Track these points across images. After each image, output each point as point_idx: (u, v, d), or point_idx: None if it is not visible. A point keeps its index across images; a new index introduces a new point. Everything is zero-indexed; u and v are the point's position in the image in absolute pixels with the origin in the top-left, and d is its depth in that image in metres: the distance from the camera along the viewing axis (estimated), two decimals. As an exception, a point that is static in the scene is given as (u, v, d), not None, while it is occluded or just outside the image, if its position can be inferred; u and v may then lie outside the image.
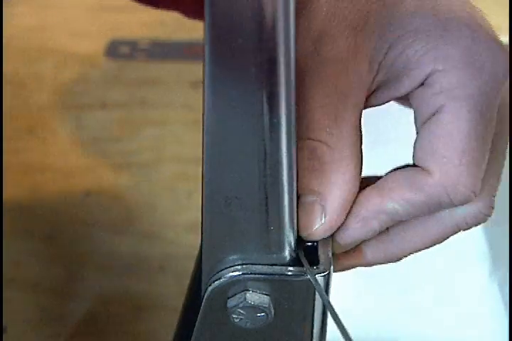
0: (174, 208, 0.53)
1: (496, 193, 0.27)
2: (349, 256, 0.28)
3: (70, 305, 0.47)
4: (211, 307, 0.26)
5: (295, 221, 0.24)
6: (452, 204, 0.25)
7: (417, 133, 0.26)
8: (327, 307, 0.24)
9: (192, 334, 0.27)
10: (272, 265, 0.25)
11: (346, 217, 0.26)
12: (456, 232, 0.28)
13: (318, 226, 0.25)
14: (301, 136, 0.24)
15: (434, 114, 0.25)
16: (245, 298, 0.25)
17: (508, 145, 0.27)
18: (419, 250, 0.28)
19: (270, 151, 0.22)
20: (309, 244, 0.26)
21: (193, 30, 0.70)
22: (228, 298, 0.25)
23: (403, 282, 0.47)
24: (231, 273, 0.25)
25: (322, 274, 0.25)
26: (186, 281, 0.29)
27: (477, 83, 0.24)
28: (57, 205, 0.53)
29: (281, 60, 0.20)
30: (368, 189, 0.26)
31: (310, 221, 0.25)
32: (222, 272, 0.25)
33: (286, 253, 0.25)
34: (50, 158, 0.57)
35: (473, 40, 0.25)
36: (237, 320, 0.25)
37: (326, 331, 0.28)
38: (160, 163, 0.57)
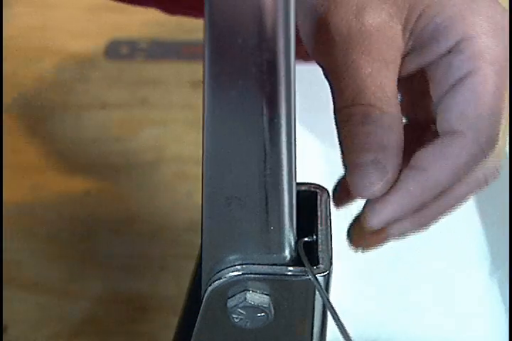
0: (174, 208, 0.53)
1: (504, 152, 0.29)
2: (377, 233, 0.29)
3: (70, 305, 0.47)
4: (211, 307, 0.26)
5: (295, 221, 0.24)
6: (484, 160, 0.27)
7: (439, 101, 0.27)
8: (327, 307, 0.24)
9: (192, 334, 0.27)
10: (271, 265, 0.25)
11: (391, 193, 0.27)
12: (475, 193, 0.30)
13: (381, 184, 0.26)
14: (350, 103, 0.26)
15: (461, 79, 0.27)
16: (245, 298, 0.25)
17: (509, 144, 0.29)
18: (444, 216, 0.31)
19: (270, 151, 0.22)
20: (308, 239, 0.26)
21: (192, 30, 0.70)
22: (228, 298, 0.25)
23: (403, 282, 0.47)
24: (231, 273, 0.25)
25: (322, 274, 0.25)
26: (186, 281, 0.29)
27: (501, 48, 0.27)
28: (57, 205, 0.53)
29: (281, 59, 0.20)
30: (408, 166, 0.27)
31: (372, 180, 0.26)
32: (222, 272, 0.25)
33: (286, 253, 0.25)
34: (50, 158, 0.57)
35: (495, 9, 0.27)
36: (237, 320, 0.25)
37: (326, 331, 0.28)
38: (160, 163, 0.57)
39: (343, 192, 0.32)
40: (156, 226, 0.51)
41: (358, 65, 0.26)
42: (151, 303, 0.47)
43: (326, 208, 0.27)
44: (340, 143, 0.27)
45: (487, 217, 0.51)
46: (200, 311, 0.26)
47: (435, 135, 0.28)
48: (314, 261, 0.25)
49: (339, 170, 0.52)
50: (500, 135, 0.27)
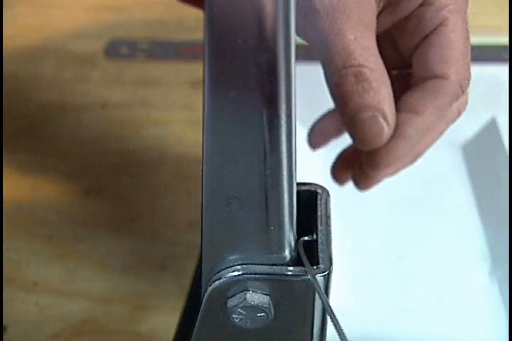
0: (174, 208, 0.53)
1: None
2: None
3: (70, 305, 0.47)
4: (211, 307, 0.26)
5: (295, 221, 0.24)
6: (462, 95, 0.31)
7: (414, 51, 0.31)
8: (325, 307, 0.24)
9: (192, 334, 0.27)
10: (271, 265, 0.25)
11: (393, 140, 0.30)
12: (450, 124, 0.33)
13: (386, 133, 0.29)
14: (341, 67, 0.29)
15: (435, 29, 0.30)
16: (245, 298, 0.25)
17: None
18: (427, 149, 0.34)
19: (270, 151, 0.22)
20: (307, 238, 0.26)
21: (192, 30, 0.70)
22: (228, 298, 0.25)
23: (403, 282, 0.47)
24: (231, 273, 0.25)
25: (322, 274, 0.25)
26: (186, 281, 0.29)
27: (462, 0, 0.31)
28: (57, 205, 0.53)
29: (281, 59, 0.20)
30: (401, 112, 0.30)
31: (376, 131, 0.28)
32: (222, 272, 0.25)
33: (286, 253, 0.25)
34: (50, 158, 0.57)
35: None
36: (237, 320, 0.25)
37: (326, 331, 0.28)
38: (160, 163, 0.57)
39: (342, 166, 0.36)
40: (156, 226, 0.51)
41: (344, 32, 0.29)
42: (151, 303, 0.47)
43: (326, 208, 0.27)
44: (338, 105, 0.29)
45: (487, 217, 0.51)
46: (200, 311, 0.26)
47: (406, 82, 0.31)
48: (314, 260, 0.25)
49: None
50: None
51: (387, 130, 0.29)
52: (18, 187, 0.54)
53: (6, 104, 0.61)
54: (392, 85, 0.29)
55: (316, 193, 0.28)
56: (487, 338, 0.44)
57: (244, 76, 0.20)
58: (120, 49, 0.68)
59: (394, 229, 0.50)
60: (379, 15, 0.31)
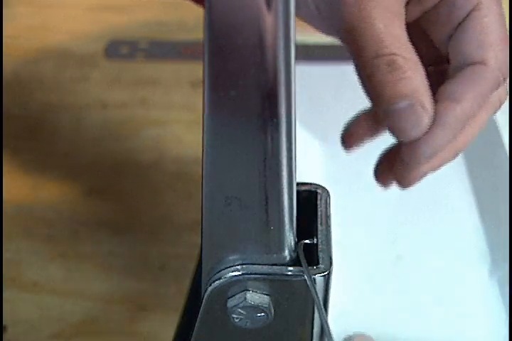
0: (174, 208, 0.53)
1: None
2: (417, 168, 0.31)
3: (70, 305, 0.47)
4: (211, 307, 0.26)
5: (295, 221, 0.24)
6: (502, 83, 0.30)
7: (448, 39, 0.30)
8: (318, 308, 0.24)
9: (192, 334, 0.27)
10: (271, 265, 0.25)
11: (433, 128, 0.28)
12: (492, 115, 0.32)
13: (426, 121, 0.27)
14: (373, 56, 0.28)
15: (468, 15, 0.29)
16: (245, 298, 0.25)
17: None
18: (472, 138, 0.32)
19: (270, 151, 0.22)
20: (308, 241, 0.26)
21: (192, 30, 0.70)
22: (228, 298, 0.25)
23: (403, 282, 0.47)
24: (231, 273, 0.25)
25: (322, 274, 0.25)
26: (186, 281, 0.29)
27: None
28: (57, 205, 0.53)
29: (281, 59, 0.20)
30: (439, 101, 0.29)
31: (415, 120, 0.27)
32: (222, 272, 0.25)
33: (286, 253, 0.25)
34: (50, 158, 0.57)
35: None
36: (237, 320, 0.25)
37: (325, 331, 0.28)
38: (160, 163, 0.57)
39: (383, 168, 0.34)
40: (156, 227, 0.51)
41: (373, 20, 0.28)
42: (151, 303, 0.47)
43: (326, 208, 0.27)
44: (372, 97, 0.28)
45: (487, 217, 0.51)
46: (200, 311, 0.26)
47: (444, 73, 0.30)
48: (314, 261, 0.25)
49: (339, 170, 0.52)
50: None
51: (426, 118, 0.28)
52: (18, 187, 0.54)
53: (6, 104, 0.61)
54: (429, 81, 0.28)
55: (316, 193, 0.28)
56: (487, 338, 0.44)
57: (244, 76, 0.20)
58: (120, 49, 0.68)
59: (394, 229, 0.50)
60: (407, 4, 0.30)
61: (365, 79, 0.28)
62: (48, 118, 0.61)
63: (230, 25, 0.20)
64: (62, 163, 0.57)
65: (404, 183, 0.34)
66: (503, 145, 0.51)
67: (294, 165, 0.23)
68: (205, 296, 0.25)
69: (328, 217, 0.27)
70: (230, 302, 0.25)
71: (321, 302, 0.25)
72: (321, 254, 0.25)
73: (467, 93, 0.29)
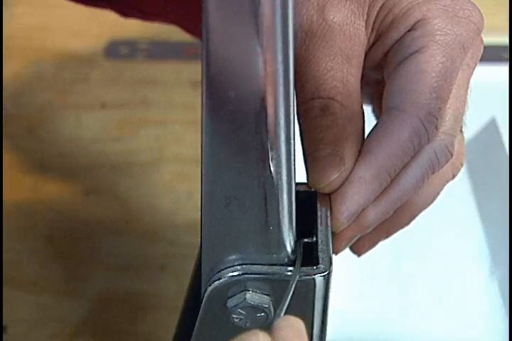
0: (174, 208, 0.53)
1: (455, 135, 0.29)
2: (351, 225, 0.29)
3: (70, 305, 0.47)
4: (211, 307, 0.26)
5: (294, 221, 0.24)
6: (427, 136, 0.27)
7: (387, 79, 0.28)
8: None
9: (192, 334, 0.27)
10: (271, 265, 0.25)
11: (346, 184, 0.27)
12: (431, 173, 0.29)
13: (337, 175, 0.26)
14: (309, 97, 0.27)
15: (409, 56, 0.27)
16: (245, 298, 0.25)
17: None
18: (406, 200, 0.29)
19: (270, 151, 0.22)
20: (308, 240, 0.26)
21: (193, 30, 0.70)
22: (228, 298, 0.25)
23: (403, 282, 0.47)
24: (231, 273, 0.25)
25: (322, 274, 0.25)
26: (186, 281, 0.29)
27: (455, 34, 0.27)
28: (57, 205, 0.53)
29: (280, 60, 0.20)
30: (362, 155, 0.27)
31: (328, 172, 0.26)
32: (222, 272, 0.25)
33: (286, 253, 0.25)
34: (50, 158, 0.57)
35: (452, 0, 0.28)
36: (237, 320, 0.25)
37: (326, 331, 0.28)
38: (160, 163, 0.57)
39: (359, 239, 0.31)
40: (156, 226, 0.51)
41: (319, 59, 0.27)
42: (151, 303, 0.47)
43: (326, 208, 0.27)
44: (302, 139, 0.27)
45: (487, 217, 0.51)
46: (200, 311, 0.26)
47: None
48: (314, 261, 0.25)
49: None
50: (451, 117, 0.28)
51: (339, 172, 0.26)
52: (18, 187, 0.54)
53: (6, 104, 0.61)
54: None
55: (316, 193, 0.28)
56: (487, 338, 0.44)
57: (241, 76, 0.20)
58: (120, 49, 0.68)
59: (394, 229, 0.50)
60: (370, 47, 0.29)
61: (299, 117, 0.27)
62: (48, 118, 0.61)
63: (229, 26, 0.20)
64: (62, 163, 0.57)
65: (354, 251, 0.32)
66: (503, 145, 0.51)
67: (293, 165, 0.23)
68: (205, 296, 0.25)
69: (328, 217, 0.27)
70: (230, 303, 0.25)
71: (321, 303, 0.25)
72: (321, 254, 0.25)
73: (380, 142, 0.26)
